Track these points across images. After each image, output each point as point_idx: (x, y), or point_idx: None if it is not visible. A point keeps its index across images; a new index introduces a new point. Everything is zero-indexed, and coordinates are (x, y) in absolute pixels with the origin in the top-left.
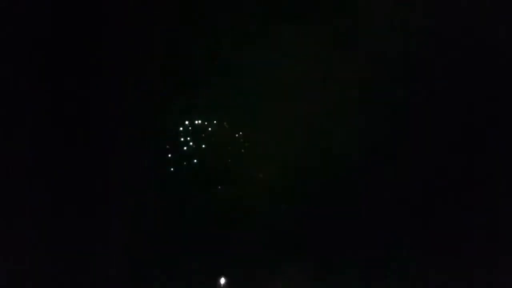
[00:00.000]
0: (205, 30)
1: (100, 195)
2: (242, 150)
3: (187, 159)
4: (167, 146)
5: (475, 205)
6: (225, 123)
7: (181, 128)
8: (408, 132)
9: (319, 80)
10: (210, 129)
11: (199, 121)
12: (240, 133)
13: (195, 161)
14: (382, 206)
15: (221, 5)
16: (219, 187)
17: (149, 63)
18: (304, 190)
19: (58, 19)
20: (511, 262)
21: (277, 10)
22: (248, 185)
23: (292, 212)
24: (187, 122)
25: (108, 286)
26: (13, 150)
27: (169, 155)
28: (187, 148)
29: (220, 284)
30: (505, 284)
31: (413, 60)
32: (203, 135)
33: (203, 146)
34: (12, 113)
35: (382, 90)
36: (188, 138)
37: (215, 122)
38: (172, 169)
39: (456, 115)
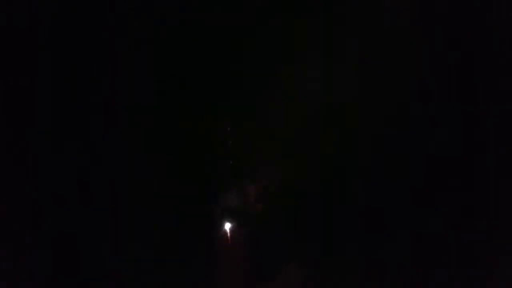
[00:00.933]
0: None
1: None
2: (243, 148)
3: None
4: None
5: (475, 205)
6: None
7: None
8: (408, 132)
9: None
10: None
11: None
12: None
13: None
14: (385, 206)
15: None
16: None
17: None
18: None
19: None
20: (510, 262)
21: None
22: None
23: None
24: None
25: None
26: (12, 149)
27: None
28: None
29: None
30: (504, 284)
31: (414, 59)
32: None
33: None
34: (11, 112)
35: (383, 89)
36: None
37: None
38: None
39: (456, 114)
